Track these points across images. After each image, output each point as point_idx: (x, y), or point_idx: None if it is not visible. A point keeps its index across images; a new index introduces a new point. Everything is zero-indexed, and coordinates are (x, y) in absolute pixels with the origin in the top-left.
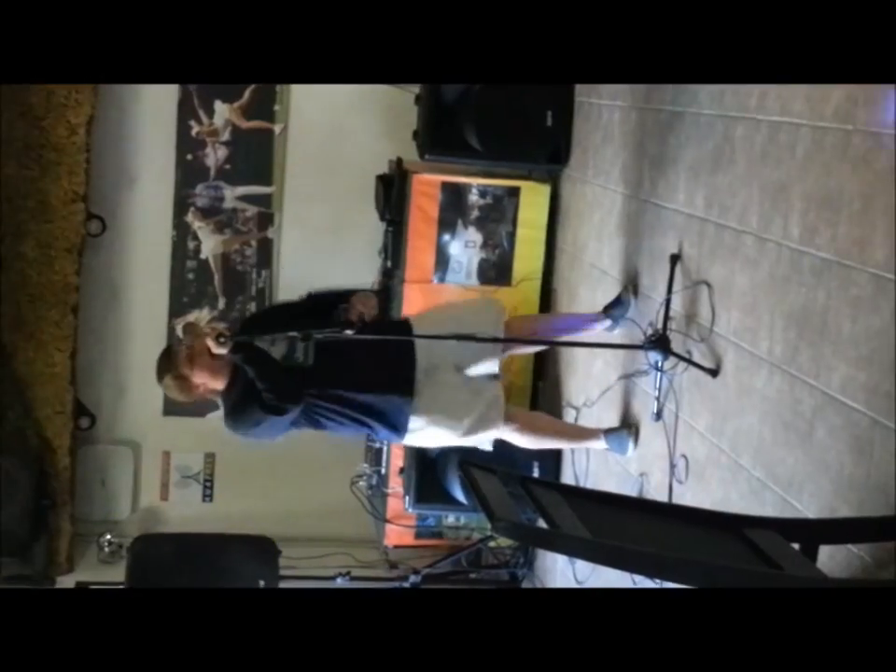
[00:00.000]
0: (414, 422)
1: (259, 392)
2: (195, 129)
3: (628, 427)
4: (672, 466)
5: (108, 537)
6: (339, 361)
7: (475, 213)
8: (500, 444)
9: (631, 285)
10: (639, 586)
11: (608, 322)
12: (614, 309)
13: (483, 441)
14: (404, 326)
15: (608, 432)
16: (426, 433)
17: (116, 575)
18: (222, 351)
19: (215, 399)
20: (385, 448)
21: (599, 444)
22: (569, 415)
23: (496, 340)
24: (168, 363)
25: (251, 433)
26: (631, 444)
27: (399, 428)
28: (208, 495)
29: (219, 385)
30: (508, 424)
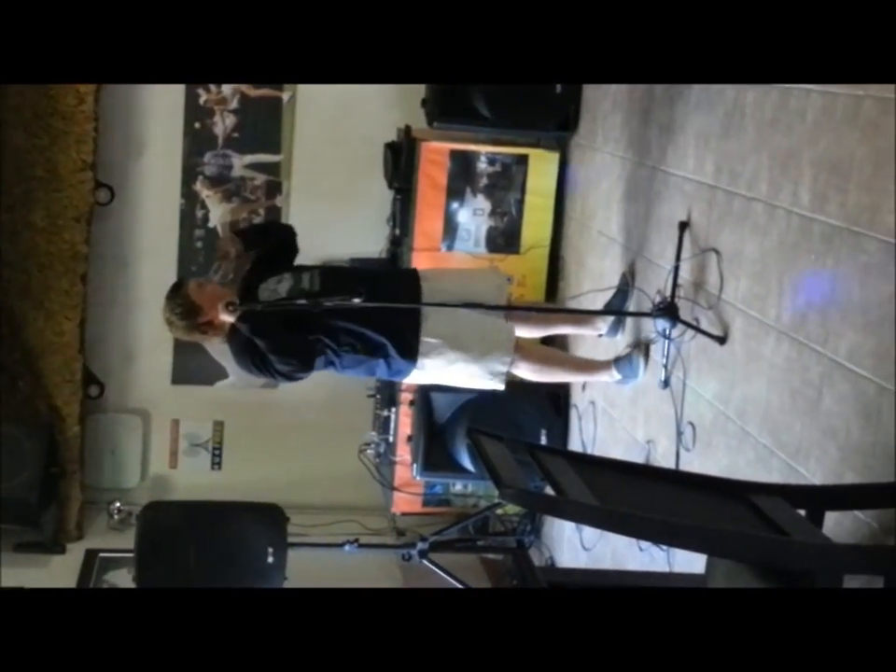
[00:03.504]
0: (426, 345)
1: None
2: (203, 97)
3: (637, 347)
4: (679, 433)
5: (118, 504)
6: (344, 309)
7: (484, 181)
8: (507, 411)
9: (629, 270)
10: (646, 553)
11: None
12: (615, 329)
13: (496, 374)
14: (411, 275)
15: (617, 360)
16: (438, 361)
17: (125, 542)
18: (230, 319)
19: (210, 341)
20: (392, 416)
21: (610, 375)
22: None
23: (502, 308)
24: (178, 288)
25: (259, 377)
26: (642, 365)
27: (411, 351)
28: (217, 463)
29: (222, 323)
30: (518, 355)
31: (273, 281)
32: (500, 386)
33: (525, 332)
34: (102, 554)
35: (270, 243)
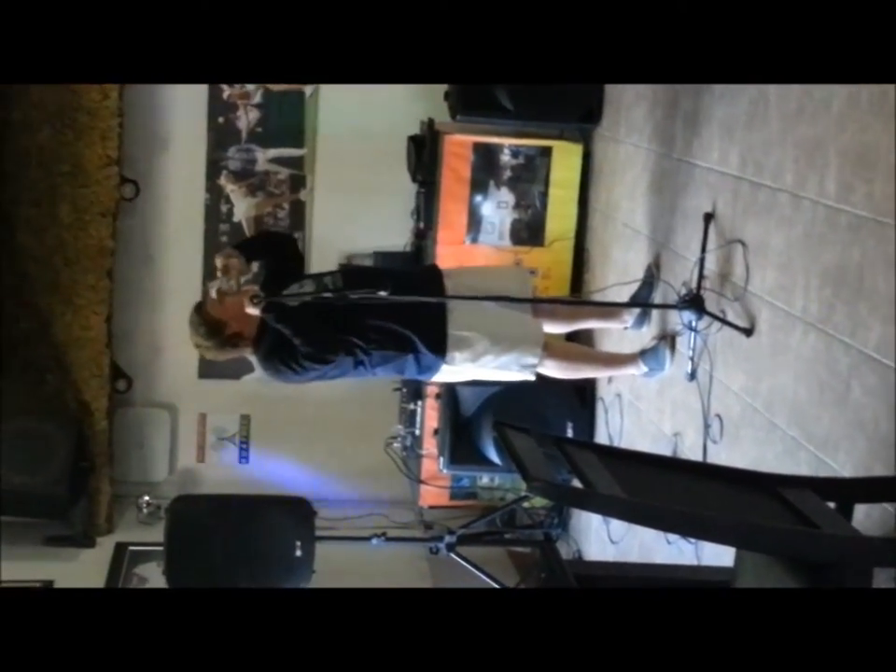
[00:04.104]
0: (453, 337)
1: (293, 344)
2: (226, 92)
3: (663, 339)
4: (706, 426)
5: (146, 498)
6: (370, 305)
7: (507, 173)
8: (533, 404)
9: (654, 262)
10: (674, 546)
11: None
12: (640, 321)
13: (527, 365)
14: (434, 272)
15: (643, 353)
16: (467, 354)
17: (155, 535)
18: (256, 311)
19: (243, 352)
20: (418, 409)
21: (637, 368)
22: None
23: (527, 300)
24: (198, 311)
25: (289, 379)
26: (668, 356)
27: (439, 344)
28: (244, 456)
29: (247, 329)
30: (545, 353)
31: (294, 287)
32: (531, 377)
33: (552, 328)
34: (131, 548)
35: (275, 252)
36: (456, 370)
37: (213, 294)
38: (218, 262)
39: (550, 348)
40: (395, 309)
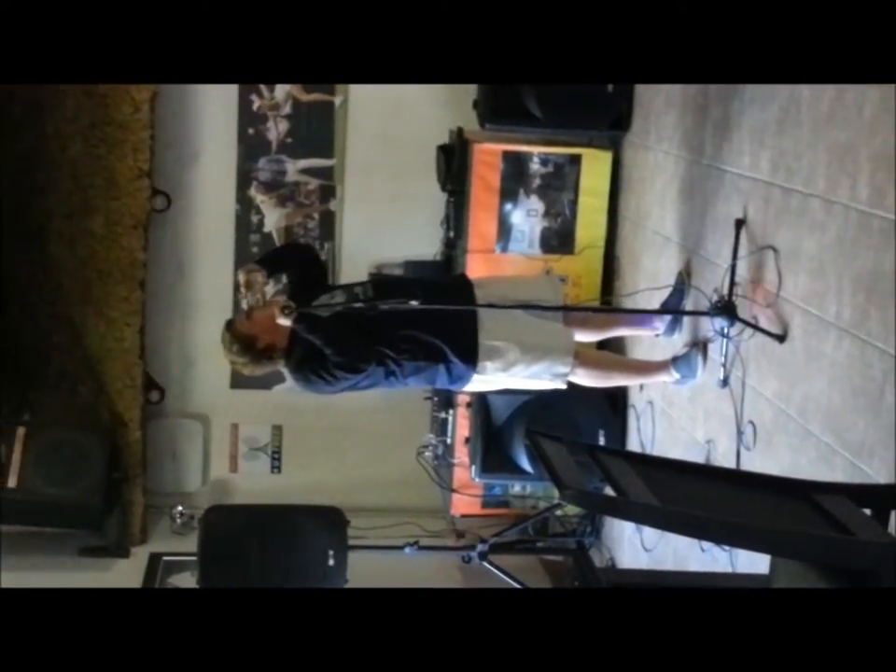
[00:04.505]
0: (485, 347)
1: (324, 354)
2: (256, 103)
3: (695, 345)
4: (739, 433)
5: (180, 508)
6: (400, 315)
7: (537, 181)
8: (564, 412)
9: (685, 269)
10: (708, 553)
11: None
12: (672, 328)
13: (558, 374)
14: (464, 281)
15: (675, 360)
16: (498, 364)
17: (188, 546)
18: (287, 322)
19: (277, 364)
20: (450, 418)
21: (669, 375)
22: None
23: (558, 308)
24: (229, 328)
25: (321, 389)
26: (700, 363)
27: (471, 354)
28: (276, 466)
29: (279, 340)
30: (576, 362)
31: (325, 297)
32: (563, 386)
33: (583, 336)
34: (165, 558)
35: (296, 263)
36: (488, 379)
37: (242, 314)
38: (241, 278)
39: (581, 356)
40: (426, 319)
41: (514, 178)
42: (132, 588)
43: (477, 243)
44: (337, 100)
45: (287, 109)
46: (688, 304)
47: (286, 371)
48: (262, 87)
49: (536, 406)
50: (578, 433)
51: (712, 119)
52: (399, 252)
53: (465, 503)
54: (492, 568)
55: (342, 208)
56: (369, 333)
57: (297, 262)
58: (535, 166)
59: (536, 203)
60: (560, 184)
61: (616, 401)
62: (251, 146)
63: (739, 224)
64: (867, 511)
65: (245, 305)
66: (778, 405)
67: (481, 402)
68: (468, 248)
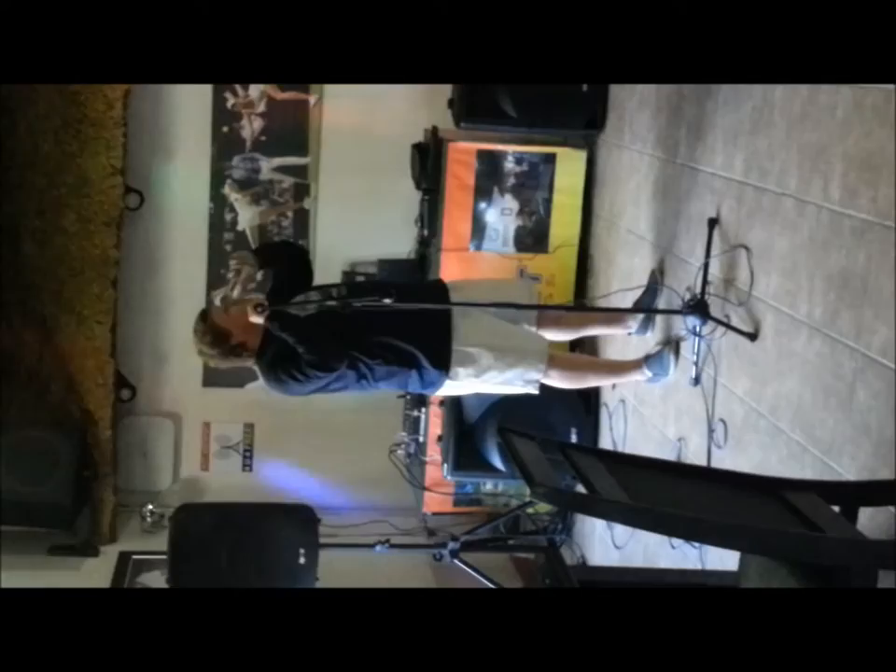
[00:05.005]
0: (458, 353)
1: (297, 353)
2: (231, 101)
3: (668, 344)
4: (711, 430)
5: (150, 507)
6: (374, 318)
7: (511, 180)
8: (537, 411)
9: (658, 268)
10: (678, 550)
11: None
12: (645, 327)
13: (530, 380)
14: (439, 286)
15: (648, 358)
16: (470, 370)
17: (158, 544)
18: (259, 320)
19: (246, 362)
20: (422, 416)
21: (641, 374)
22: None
23: (532, 307)
24: (203, 319)
25: (291, 390)
26: (672, 361)
27: (443, 360)
28: (248, 464)
29: (252, 340)
30: (549, 365)
31: (300, 298)
32: (534, 391)
33: (557, 335)
34: (135, 557)
35: (289, 262)
36: (460, 384)
37: (217, 302)
38: (234, 262)
39: (554, 360)
40: (399, 324)
41: (489, 177)
42: (101, 588)
43: (451, 241)
44: (312, 98)
45: (261, 107)
46: (661, 303)
47: (257, 370)
48: (237, 85)
49: (508, 404)
50: (550, 431)
51: (686, 118)
52: (373, 250)
53: (437, 501)
54: (463, 566)
55: (316, 206)
56: (342, 336)
57: (289, 262)
58: (509, 165)
59: (510, 202)
60: (534, 183)
61: (589, 399)
62: (225, 143)
63: (712, 223)
64: (836, 509)
65: (218, 300)
66: (750, 403)
67: (453, 401)
68: (442, 247)
